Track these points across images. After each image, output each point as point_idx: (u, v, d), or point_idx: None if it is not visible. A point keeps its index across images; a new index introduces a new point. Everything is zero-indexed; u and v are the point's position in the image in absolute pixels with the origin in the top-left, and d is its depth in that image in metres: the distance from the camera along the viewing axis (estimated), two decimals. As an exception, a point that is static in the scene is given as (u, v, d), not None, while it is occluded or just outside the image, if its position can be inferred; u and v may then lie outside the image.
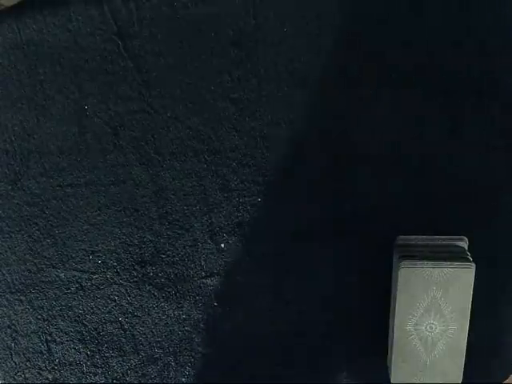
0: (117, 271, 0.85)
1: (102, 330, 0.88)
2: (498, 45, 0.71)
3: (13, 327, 0.88)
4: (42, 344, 0.89)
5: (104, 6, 0.74)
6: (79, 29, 0.75)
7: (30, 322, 0.88)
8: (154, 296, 0.86)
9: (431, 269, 0.71)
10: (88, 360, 0.89)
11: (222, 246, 0.83)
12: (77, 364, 0.90)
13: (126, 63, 0.76)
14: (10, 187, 0.82)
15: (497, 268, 0.79)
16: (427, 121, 0.75)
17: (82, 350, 0.89)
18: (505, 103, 0.73)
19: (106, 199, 0.82)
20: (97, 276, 0.86)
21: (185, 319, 0.86)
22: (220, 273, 0.84)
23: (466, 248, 0.76)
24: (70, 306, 0.87)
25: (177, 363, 0.88)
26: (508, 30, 0.71)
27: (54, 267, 0.85)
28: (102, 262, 0.85)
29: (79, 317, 0.87)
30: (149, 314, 0.87)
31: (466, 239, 0.77)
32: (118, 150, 0.80)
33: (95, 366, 0.90)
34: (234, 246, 0.83)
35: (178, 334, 0.87)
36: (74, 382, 0.90)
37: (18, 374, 0.91)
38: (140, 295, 0.86)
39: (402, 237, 0.78)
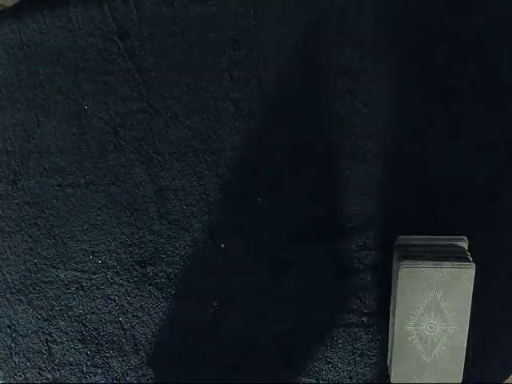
0: (117, 271, 0.85)
1: (102, 330, 0.88)
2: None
3: (13, 327, 0.88)
4: (42, 344, 0.89)
5: (104, 6, 0.74)
6: (79, 29, 0.75)
7: (30, 322, 0.88)
8: (154, 296, 0.86)
9: (431, 269, 0.71)
10: (88, 360, 0.89)
11: (222, 246, 0.83)
12: (77, 364, 0.90)
13: (126, 63, 0.76)
14: (9, 187, 0.82)
15: (497, 268, 0.79)
16: (427, 120, 0.75)
17: (82, 349, 0.89)
18: (504, 103, 0.74)
19: (106, 199, 0.82)
20: (97, 276, 0.86)
21: (184, 319, 0.86)
22: (220, 273, 0.84)
23: (466, 248, 0.76)
24: (70, 306, 0.87)
25: (176, 363, 0.88)
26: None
27: (54, 267, 0.85)
28: (102, 262, 0.85)
29: (79, 317, 0.87)
30: (149, 314, 0.86)
31: (466, 239, 0.77)
32: (118, 150, 0.80)
33: (95, 366, 0.90)
34: (234, 246, 0.82)
35: (178, 334, 0.87)
36: (74, 382, 0.90)
37: (18, 374, 0.91)
38: (140, 295, 0.86)
39: (402, 237, 0.78)
